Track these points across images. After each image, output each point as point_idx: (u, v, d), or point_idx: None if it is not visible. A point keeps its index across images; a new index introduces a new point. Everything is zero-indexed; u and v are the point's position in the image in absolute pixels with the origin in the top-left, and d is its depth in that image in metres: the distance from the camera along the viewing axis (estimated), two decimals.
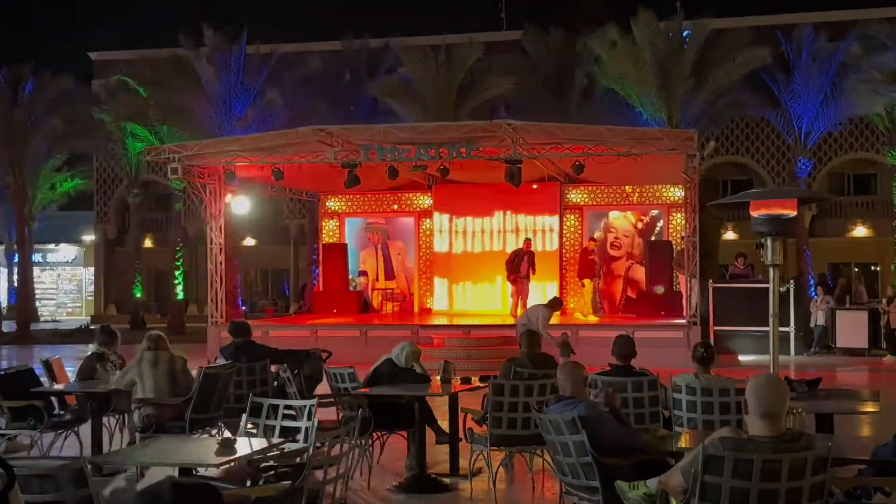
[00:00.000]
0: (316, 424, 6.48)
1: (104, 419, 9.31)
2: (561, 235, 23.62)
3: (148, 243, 39.34)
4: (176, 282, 33.16)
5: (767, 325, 7.71)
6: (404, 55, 29.97)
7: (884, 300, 22.19)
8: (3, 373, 9.83)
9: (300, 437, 6.80)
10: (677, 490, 4.76)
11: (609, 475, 5.72)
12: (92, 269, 42.91)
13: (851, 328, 22.15)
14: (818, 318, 23.07)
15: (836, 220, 36.67)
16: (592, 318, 21.40)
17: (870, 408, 7.73)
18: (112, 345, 10.10)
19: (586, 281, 22.21)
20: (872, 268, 33.67)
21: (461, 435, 8.81)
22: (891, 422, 8.02)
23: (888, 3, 31.58)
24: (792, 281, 21.71)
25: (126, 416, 9.25)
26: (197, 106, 29.82)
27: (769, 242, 7.01)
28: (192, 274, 36.33)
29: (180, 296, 33.12)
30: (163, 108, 30.44)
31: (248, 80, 30.21)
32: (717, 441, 4.58)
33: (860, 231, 36.37)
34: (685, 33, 27.35)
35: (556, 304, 16.56)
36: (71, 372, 10.77)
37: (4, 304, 34.93)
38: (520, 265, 20.93)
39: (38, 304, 39.82)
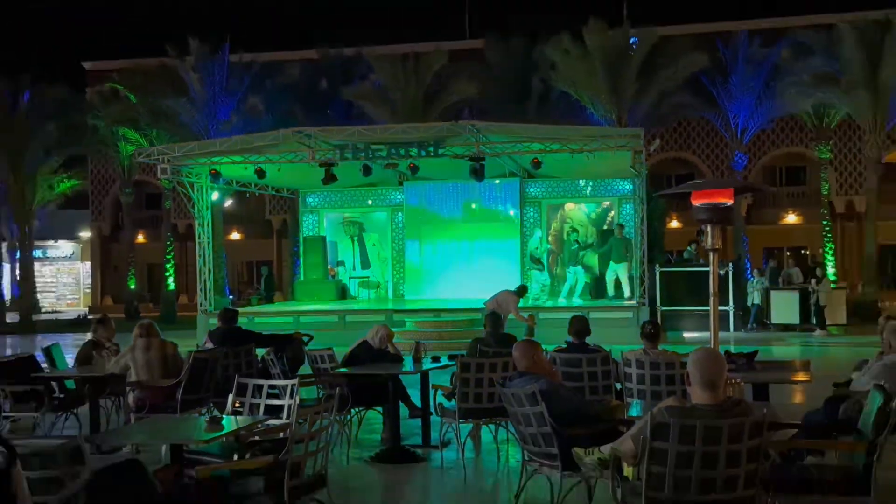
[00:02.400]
0: (298, 402, 6.45)
1: (101, 401, 9.23)
2: (522, 225, 23.62)
3: (140, 238, 39.03)
4: (167, 274, 32.98)
5: (708, 305, 7.75)
6: (376, 63, 29.94)
7: (813, 280, 22.41)
8: (6, 360, 9.75)
9: (283, 414, 6.78)
10: (628, 455, 4.78)
11: (566, 443, 5.73)
12: (88, 264, 42.68)
13: (784, 306, 22.42)
14: (754, 298, 23.31)
15: (770, 209, 37.02)
16: (550, 302, 21.47)
17: (801, 377, 7.80)
18: (107, 333, 10.06)
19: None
20: (802, 252, 34.00)
21: (432, 409, 8.81)
22: (820, 390, 8.07)
23: (815, 11, 31.88)
24: (731, 264, 21.89)
25: (121, 398, 9.17)
26: (184, 111, 29.71)
27: (709, 229, 7.05)
28: (182, 266, 36.13)
29: (171, 287, 32.92)
30: (152, 113, 30.36)
31: (231, 87, 30.14)
32: (663, 410, 4.59)
33: (791, 218, 36.78)
34: (632, 41, 27.52)
35: (522, 290, 16.62)
36: (70, 358, 10.66)
37: (8, 297, 34.54)
38: None
39: (39, 296, 39.57)
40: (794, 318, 22.06)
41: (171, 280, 32.99)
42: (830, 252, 30.38)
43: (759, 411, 4.69)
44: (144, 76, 31.14)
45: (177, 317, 30.53)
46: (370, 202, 25.15)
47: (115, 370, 8.73)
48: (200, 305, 21.63)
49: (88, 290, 42.81)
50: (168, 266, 33.08)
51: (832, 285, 23.98)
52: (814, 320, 21.58)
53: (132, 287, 35.08)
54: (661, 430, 4.48)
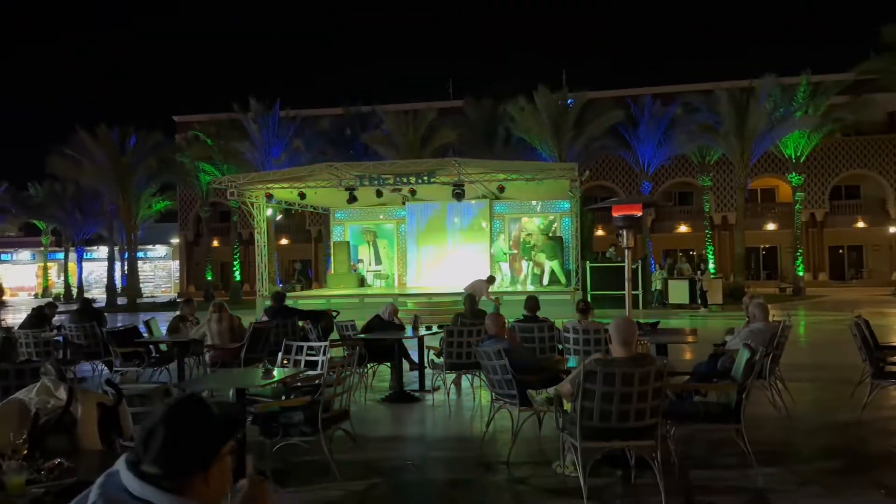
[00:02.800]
0: (329, 358, 6.39)
1: (185, 360, 9.15)
2: (491, 234, 23.59)
3: (215, 243, 38.69)
4: (234, 269, 32.71)
5: (624, 290, 7.75)
6: (385, 117, 29.86)
7: (698, 272, 22.49)
8: (117, 329, 9.66)
9: (318, 368, 6.73)
10: (567, 394, 4.75)
11: (523, 387, 5.71)
12: (177, 262, 42.36)
13: (678, 291, 22.48)
14: (657, 285, 23.35)
15: (667, 222, 37.15)
16: (511, 287, 21.45)
17: (690, 339, 7.82)
18: (190, 310, 9.98)
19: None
20: (690, 252, 34.11)
21: (426, 364, 8.77)
22: (704, 349, 8.09)
23: (700, 80, 32.04)
24: (640, 261, 21.93)
25: (200, 357, 9.10)
26: (246, 151, 29.52)
27: (625, 233, 7.04)
28: (245, 264, 35.89)
29: (238, 278, 32.67)
30: (223, 152, 30.20)
31: (280, 134, 29.96)
32: (592, 361, 4.58)
33: (683, 228, 36.92)
34: (569, 101, 27.51)
35: (491, 279, 16.59)
36: (163, 329, 10.57)
37: (119, 286, 34.34)
38: None
39: (141, 285, 39.31)
40: (685, 300, 22.12)
41: (237, 273, 32.73)
42: (711, 252, 30.52)
43: (660, 362, 4.69)
44: (218, 126, 30.98)
45: (241, 299, 30.31)
46: (381, 216, 25.09)
47: (196, 336, 8.67)
48: (258, 291, 21.50)
49: (177, 281, 42.54)
50: (235, 263, 32.83)
51: (712, 276, 24.06)
52: (699, 301, 21.66)
53: (209, 278, 34.81)
54: (590, 375, 4.47)
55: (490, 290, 15.16)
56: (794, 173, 29.37)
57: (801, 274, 29.41)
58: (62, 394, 3.53)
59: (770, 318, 7.26)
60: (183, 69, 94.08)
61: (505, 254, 23.17)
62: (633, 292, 18.72)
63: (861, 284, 34.13)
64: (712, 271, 26.54)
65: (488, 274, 18.66)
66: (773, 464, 5.39)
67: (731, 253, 31.26)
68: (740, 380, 5.21)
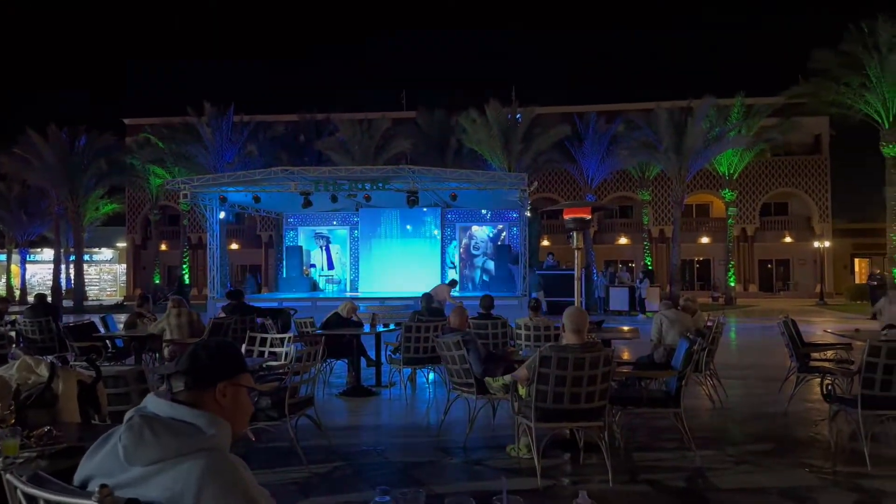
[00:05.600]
0: (293, 348, 6.48)
1: (144, 355, 9.05)
2: (443, 241, 23.82)
3: (163, 247, 37.89)
4: (183, 272, 32.06)
5: (571, 296, 8.07)
6: (340, 125, 29.78)
7: (636, 281, 23.18)
8: (74, 323, 9.49)
9: (278, 360, 6.79)
10: (523, 379, 4.98)
11: (481, 375, 5.92)
12: (124, 266, 41.23)
13: (618, 298, 23.12)
14: (599, 292, 23.96)
15: (609, 233, 38.02)
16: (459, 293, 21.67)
17: (629, 336, 8.15)
18: (147, 307, 9.89)
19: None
20: (630, 264, 35.08)
21: (384, 360, 8.90)
22: (642, 346, 8.49)
23: (641, 99, 33.05)
24: (584, 270, 22.46)
25: (157, 353, 9.01)
26: (199, 154, 29.05)
27: (575, 235, 7.36)
28: (194, 268, 35.27)
29: (187, 282, 32.01)
30: (175, 155, 29.62)
31: (234, 138, 29.61)
32: (547, 347, 4.82)
33: (623, 240, 37.87)
34: (518, 116, 28.00)
35: (453, 283, 16.79)
36: (116, 328, 10.40)
37: (65, 289, 33.24)
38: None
39: (86, 288, 38.07)
40: (625, 306, 22.77)
41: (186, 277, 32.10)
42: (649, 263, 31.47)
43: (608, 349, 4.98)
44: (170, 129, 30.35)
45: (190, 304, 29.62)
46: (335, 222, 24.98)
47: (155, 331, 8.61)
48: (210, 293, 21.15)
49: (123, 285, 41.39)
50: (184, 267, 32.20)
51: (650, 284, 24.81)
52: (637, 307, 22.32)
53: (156, 282, 34.01)
54: (545, 360, 4.71)
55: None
56: (727, 190, 30.60)
57: (732, 285, 30.60)
58: (43, 371, 3.57)
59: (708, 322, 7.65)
60: (136, 72, 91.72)
61: (453, 263, 23.46)
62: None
63: (788, 296, 35.72)
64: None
65: (450, 279, 18.87)
66: (709, 447, 5.75)
67: (667, 264, 32.26)
68: (680, 368, 5.55)
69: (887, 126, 23.30)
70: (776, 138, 28.78)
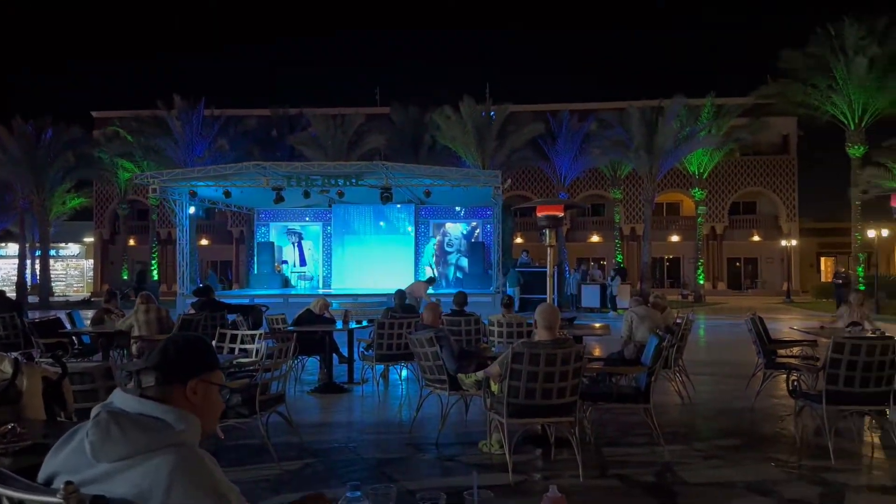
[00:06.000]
0: (263, 347, 6.42)
1: (111, 351, 8.90)
2: (416, 238, 23.79)
3: (132, 242, 37.28)
4: (152, 268, 31.56)
5: (544, 293, 8.11)
6: (313, 119, 29.54)
7: (608, 279, 23.40)
8: (40, 319, 9.30)
9: (249, 356, 6.73)
10: (496, 375, 5.00)
11: (454, 371, 5.94)
12: (91, 261, 40.47)
13: (590, 295, 23.33)
14: (572, 289, 24.14)
15: (581, 231, 38.34)
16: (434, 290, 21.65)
17: (600, 333, 8.23)
18: (115, 303, 9.74)
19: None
20: (601, 262, 35.40)
21: (356, 357, 8.87)
22: (613, 342, 8.58)
23: (613, 98, 33.34)
24: (557, 267, 22.65)
25: (125, 349, 8.87)
26: (169, 148, 28.64)
27: (548, 232, 7.41)
28: (163, 264, 34.75)
29: (155, 277, 31.52)
30: (144, 149, 29.18)
31: (205, 132, 29.25)
32: (519, 344, 4.85)
33: (595, 238, 38.20)
34: (492, 114, 28.08)
35: (431, 281, 16.78)
36: (82, 324, 10.22)
37: (30, 285, 32.56)
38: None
39: (53, 284, 37.29)
40: (596, 303, 22.97)
41: (155, 273, 31.60)
42: (621, 261, 31.80)
43: (579, 345, 5.02)
44: (139, 122, 29.86)
45: (159, 300, 29.14)
46: (307, 218, 24.79)
47: (123, 327, 8.47)
48: (179, 290, 20.86)
49: (90, 281, 40.62)
50: (153, 262, 31.71)
51: (622, 282, 25.07)
52: (608, 305, 22.54)
53: (125, 277, 33.43)
54: (518, 356, 4.74)
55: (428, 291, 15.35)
56: (697, 189, 31.06)
57: (701, 282, 31.08)
58: (7, 367, 3.50)
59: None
60: (104, 64, 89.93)
61: (432, 257, 23.45)
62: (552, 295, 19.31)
63: (756, 294, 36.39)
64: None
65: (427, 276, 18.86)
66: (678, 442, 5.84)
67: (637, 262, 32.63)
68: (649, 364, 5.62)
69: (853, 127, 23.86)
70: (745, 138, 29.28)
